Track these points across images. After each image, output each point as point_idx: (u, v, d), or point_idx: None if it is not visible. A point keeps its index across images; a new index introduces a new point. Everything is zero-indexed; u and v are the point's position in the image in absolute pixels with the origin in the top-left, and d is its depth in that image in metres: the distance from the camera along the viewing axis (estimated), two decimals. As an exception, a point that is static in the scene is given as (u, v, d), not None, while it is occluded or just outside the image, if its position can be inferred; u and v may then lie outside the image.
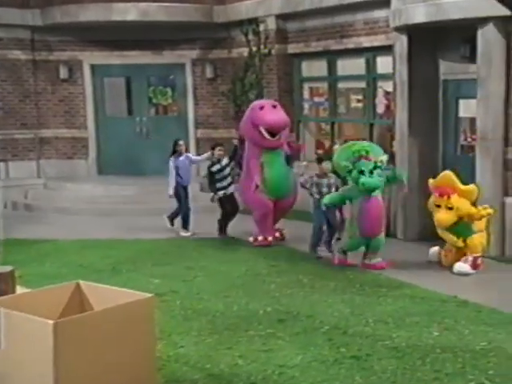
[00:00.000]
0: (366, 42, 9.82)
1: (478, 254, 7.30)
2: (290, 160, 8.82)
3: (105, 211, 11.19)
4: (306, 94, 11.61)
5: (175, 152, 9.59)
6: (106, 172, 13.08)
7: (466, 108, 8.60)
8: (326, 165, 8.01)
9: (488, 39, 7.70)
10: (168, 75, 13.04)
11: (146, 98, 13.08)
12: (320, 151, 11.63)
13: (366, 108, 10.33)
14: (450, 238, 7.39)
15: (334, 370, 4.79)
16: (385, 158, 7.35)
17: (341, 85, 10.89)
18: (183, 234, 9.47)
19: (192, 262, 8.02)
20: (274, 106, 8.65)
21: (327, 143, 11.38)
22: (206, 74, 12.65)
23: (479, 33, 7.74)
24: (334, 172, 8.06)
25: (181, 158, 9.54)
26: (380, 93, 10.07)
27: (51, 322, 3.48)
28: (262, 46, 11.44)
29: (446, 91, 8.79)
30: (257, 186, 8.57)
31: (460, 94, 8.66)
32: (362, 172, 7.13)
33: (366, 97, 10.37)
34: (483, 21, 7.60)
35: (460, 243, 7.34)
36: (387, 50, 9.26)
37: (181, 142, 9.68)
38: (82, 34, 12.57)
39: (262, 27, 11.35)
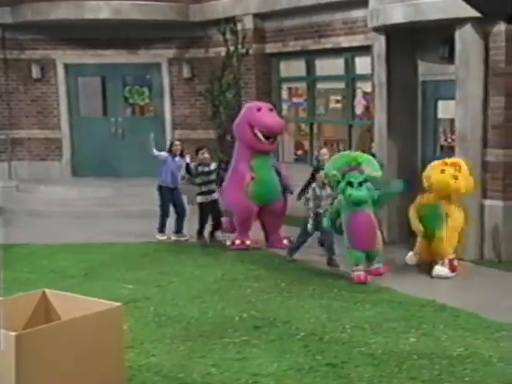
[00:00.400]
0: (345, 42, 9.83)
1: (452, 256, 7.34)
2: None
3: (79, 214, 11.09)
4: (285, 95, 11.61)
5: (170, 152, 9.45)
6: (80, 174, 12.95)
7: (445, 109, 8.64)
8: (322, 176, 7.65)
9: (466, 40, 7.74)
10: (144, 75, 12.95)
11: (121, 98, 12.97)
12: (300, 152, 11.65)
13: (345, 109, 10.34)
14: (416, 223, 7.46)
15: (309, 378, 4.77)
16: (379, 174, 7.19)
17: (319, 85, 10.89)
18: (159, 237, 9.39)
19: (167, 266, 7.96)
20: (271, 110, 8.63)
21: (306, 144, 11.38)
22: (182, 74, 12.59)
23: (457, 33, 7.78)
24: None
25: (176, 159, 9.32)
26: (359, 94, 10.08)
27: (13, 334, 3.41)
28: (239, 46, 11.40)
29: (425, 92, 8.83)
30: (252, 178, 8.45)
31: (439, 95, 8.69)
32: (350, 184, 6.98)
33: (344, 97, 10.38)
34: (461, 21, 7.64)
35: (422, 233, 7.44)
36: (366, 50, 9.28)
37: (177, 143, 9.53)
38: (54, 33, 12.43)
39: (239, 26, 11.32)
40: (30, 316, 4.06)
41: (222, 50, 11.72)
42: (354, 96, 10.17)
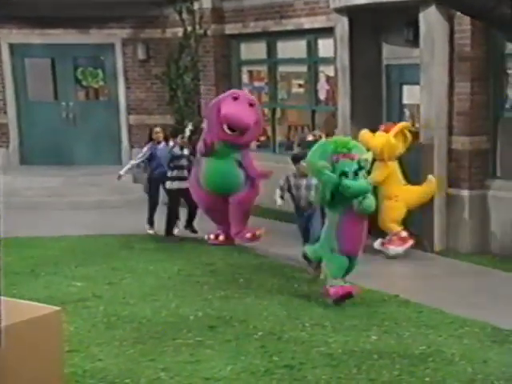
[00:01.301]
0: (307, 23, 9.73)
1: (397, 230, 7.67)
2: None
3: (27, 205, 10.84)
4: (245, 78, 11.48)
5: (151, 140, 9.14)
6: (29, 162, 12.65)
7: (411, 94, 8.63)
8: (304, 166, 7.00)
9: (430, 22, 7.72)
10: (96, 56, 12.67)
11: (72, 80, 12.67)
12: (262, 137, 11.54)
13: (308, 93, 10.27)
14: None
15: (264, 381, 4.72)
16: (369, 156, 6.59)
17: (281, 68, 10.79)
18: (148, 230, 9.07)
19: (119, 261, 7.81)
20: (251, 105, 8.15)
21: (269, 130, 11.29)
22: (137, 56, 12.34)
23: (421, 15, 7.76)
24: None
25: (160, 146, 8.98)
26: (322, 78, 10.02)
27: None
28: (197, 26, 11.23)
29: (390, 77, 8.81)
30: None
31: (404, 79, 8.68)
32: (344, 174, 6.01)
33: (307, 82, 10.31)
34: (425, 3, 7.61)
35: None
36: (329, 32, 9.21)
37: (157, 129, 9.20)
38: (-2, 10, 12.06)
39: (196, 5, 11.13)
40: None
41: (180, 31, 11.52)
42: (317, 80, 10.10)
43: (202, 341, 5.42)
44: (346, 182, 5.97)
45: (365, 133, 7.98)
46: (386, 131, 7.95)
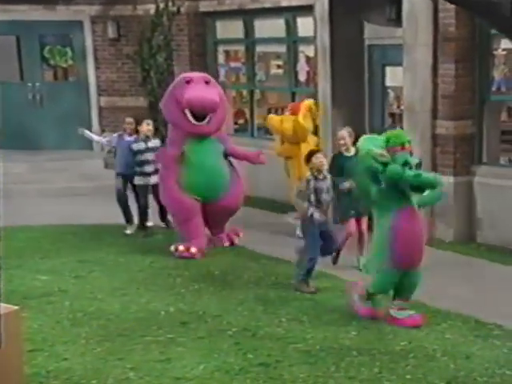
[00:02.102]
0: (285, 0, 9.62)
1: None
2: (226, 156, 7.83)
3: (-10, 193, 10.66)
4: (222, 59, 11.36)
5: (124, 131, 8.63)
6: (-7, 146, 12.41)
7: (394, 76, 8.59)
8: (319, 159, 6.24)
9: (413, 0, 7.65)
10: (64, 34, 12.43)
11: (38, 60, 12.45)
12: (241, 121, 11.45)
13: (287, 75, 10.18)
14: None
15: (238, 380, 4.68)
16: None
17: (259, 48, 10.69)
18: (127, 231, 8.56)
19: (88, 253, 7.71)
20: (207, 82, 7.59)
21: (248, 112, 11.20)
22: (107, 34, 12.13)
23: (405, -7, 7.71)
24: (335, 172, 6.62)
25: (128, 138, 8.46)
26: (302, 58, 9.93)
27: None
28: (170, 3, 11.06)
29: (372, 57, 8.76)
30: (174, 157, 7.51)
31: (387, 60, 8.64)
32: (406, 165, 5.29)
33: (286, 62, 10.21)
34: (409, -20, 7.55)
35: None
36: (308, 10, 9.12)
37: (129, 120, 8.63)
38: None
39: (169, -19, 10.97)
40: None
41: (152, 8, 11.35)
42: (296, 61, 10.02)
43: (173, 338, 5.36)
44: (410, 172, 5.24)
45: (272, 117, 8.25)
46: (294, 113, 8.03)
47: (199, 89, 7.46)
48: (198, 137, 7.56)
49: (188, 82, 7.53)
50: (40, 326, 5.59)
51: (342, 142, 7.03)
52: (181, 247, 7.52)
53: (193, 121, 7.47)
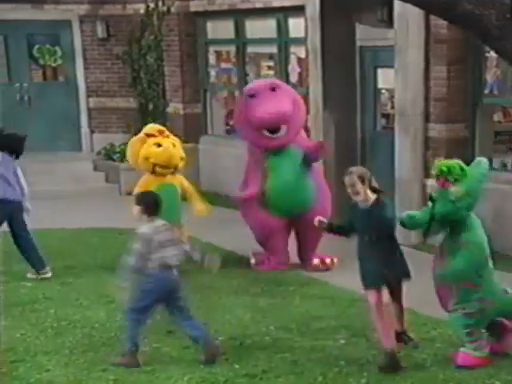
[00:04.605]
0: (276, 1, 9.61)
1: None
2: (308, 161, 7.17)
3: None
4: (212, 59, 11.32)
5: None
6: (-20, 148, 12.34)
7: (386, 78, 8.56)
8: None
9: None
10: (53, 34, 12.37)
11: (27, 60, 12.39)
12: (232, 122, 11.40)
13: (279, 76, 10.13)
14: None
15: (223, 392, 4.66)
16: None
17: (250, 49, 10.66)
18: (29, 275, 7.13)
19: (74, 258, 7.68)
20: (273, 89, 7.03)
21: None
22: (97, 34, 12.09)
23: (395, -6, 7.67)
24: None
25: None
26: (293, 59, 9.91)
27: None
28: (160, 3, 11.03)
29: (364, 59, 8.73)
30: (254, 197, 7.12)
31: (378, 62, 8.61)
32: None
33: (277, 63, 10.18)
34: (400, -18, 7.51)
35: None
36: (299, 10, 9.10)
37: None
38: None
39: (158, -21, 10.94)
40: None
41: (142, 7, 11.32)
42: (287, 62, 9.99)
43: (158, 347, 5.34)
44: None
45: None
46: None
47: (266, 103, 6.90)
48: (277, 150, 7.03)
49: (252, 96, 7.02)
50: (23, 335, 5.56)
51: (350, 190, 5.01)
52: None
53: (268, 134, 6.97)
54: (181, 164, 7.21)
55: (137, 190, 6.82)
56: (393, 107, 8.67)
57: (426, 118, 7.90)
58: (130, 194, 9.02)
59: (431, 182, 7.91)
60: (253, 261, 7.39)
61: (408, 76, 7.78)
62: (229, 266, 7.34)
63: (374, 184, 5.00)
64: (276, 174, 7.06)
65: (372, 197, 4.95)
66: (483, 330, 5.02)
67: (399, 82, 7.87)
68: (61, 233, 8.74)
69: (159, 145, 7.06)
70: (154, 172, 7.12)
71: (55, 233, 8.72)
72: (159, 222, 5.04)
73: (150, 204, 5.06)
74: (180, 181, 7.29)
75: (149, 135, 7.19)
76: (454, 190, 4.82)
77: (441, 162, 4.99)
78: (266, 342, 5.44)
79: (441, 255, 5.05)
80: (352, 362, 5.04)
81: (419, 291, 6.02)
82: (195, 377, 4.85)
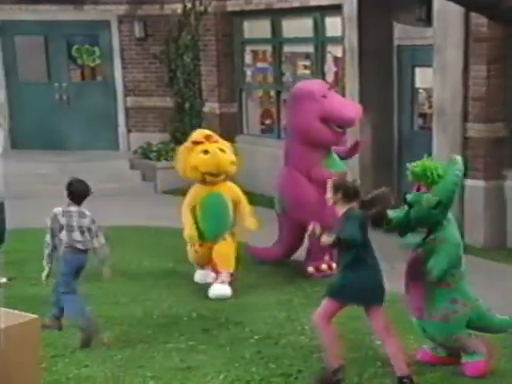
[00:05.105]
0: (313, 0, 9.57)
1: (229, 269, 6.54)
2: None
3: (15, 194, 10.73)
4: (249, 59, 11.34)
5: None
6: (20, 146, 12.57)
7: (424, 78, 8.48)
8: None
9: None
10: (91, 34, 12.53)
11: (66, 60, 12.58)
12: (268, 121, 11.41)
13: (315, 75, 10.11)
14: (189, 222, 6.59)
15: (258, 392, 4.66)
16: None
17: (286, 48, 10.65)
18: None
19: (113, 256, 7.67)
20: (329, 88, 7.16)
21: (274, 113, 11.15)
22: (134, 33, 12.20)
23: (435, -8, 7.60)
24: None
25: None
26: (329, 59, 9.87)
27: None
28: (197, 3, 11.09)
29: (401, 58, 8.65)
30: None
31: (416, 61, 8.53)
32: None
33: (314, 63, 10.16)
34: (439, -21, 7.45)
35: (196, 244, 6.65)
36: (336, 9, 9.06)
37: None
38: (-15, -16, 11.95)
39: (196, -20, 11.00)
40: None
41: (179, 7, 11.40)
42: (324, 61, 9.95)
43: (194, 345, 5.37)
44: None
45: None
46: None
47: (344, 102, 7.17)
48: (329, 149, 7.02)
49: (325, 96, 6.88)
50: (62, 331, 5.62)
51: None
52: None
53: (339, 130, 6.90)
54: (231, 169, 6.76)
55: (187, 201, 6.71)
56: (430, 107, 8.59)
57: (465, 118, 7.80)
58: (166, 192, 9.14)
59: (470, 183, 7.85)
60: (311, 269, 7.07)
61: (447, 75, 7.69)
62: (264, 264, 7.39)
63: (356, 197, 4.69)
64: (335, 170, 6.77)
65: (341, 210, 4.68)
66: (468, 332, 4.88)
67: (438, 81, 7.78)
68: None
69: (206, 151, 6.63)
70: (204, 180, 6.68)
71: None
72: (74, 208, 5.69)
73: (74, 192, 5.80)
74: (231, 190, 6.83)
75: (196, 142, 6.71)
76: (427, 198, 4.71)
77: (415, 165, 4.83)
78: (301, 341, 5.43)
79: (416, 255, 4.92)
80: (388, 362, 4.96)
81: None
82: (231, 375, 4.87)
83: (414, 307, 4.95)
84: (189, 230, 6.58)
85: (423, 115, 8.88)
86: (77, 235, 5.56)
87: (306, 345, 5.35)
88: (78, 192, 5.77)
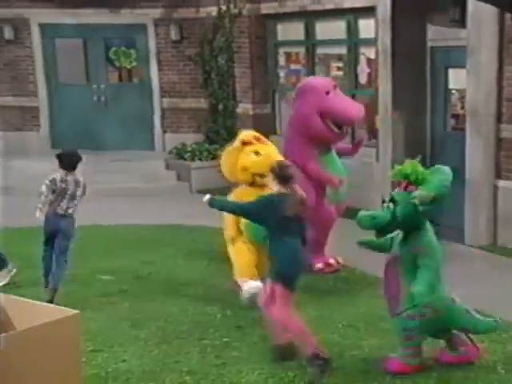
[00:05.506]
0: (347, 2, 9.56)
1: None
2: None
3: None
4: (282, 61, 11.37)
5: None
6: (59, 146, 12.67)
7: (457, 79, 8.41)
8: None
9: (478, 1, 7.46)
10: (128, 37, 12.69)
11: (104, 62, 12.77)
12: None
13: (348, 77, 10.11)
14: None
15: (292, 388, 4.69)
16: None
17: (319, 50, 10.65)
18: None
19: (148, 254, 7.84)
20: (335, 86, 7.04)
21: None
22: (170, 36, 12.33)
23: (469, -6, 7.54)
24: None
25: None
26: (362, 60, 9.84)
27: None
28: (231, 5, 11.16)
29: (435, 60, 8.59)
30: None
31: (449, 62, 8.46)
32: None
33: (347, 64, 10.14)
34: (473, -19, 7.38)
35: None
36: (370, 11, 9.04)
37: None
38: (27, -11, 12.18)
39: (231, -17, 11.06)
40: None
41: (214, 10, 11.48)
42: (357, 63, 9.93)
43: (228, 342, 5.42)
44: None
45: None
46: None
47: (347, 100, 7.11)
48: (328, 147, 7.03)
49: (328, 93, 6.87)
50: (100, 326, 5.73)
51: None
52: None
53: (336, 130, 6.89)
54: None
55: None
56: (463, 108, 8.52)
57: (498, 119, 7.72)
58: (200, 192, 9.18)
59: (503, 184, 7.78)
60: (319, 265, 7.10)
61: (480, 76, 7.62)
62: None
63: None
64: (332, 168, 6.96)
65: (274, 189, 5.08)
66: (426, 339, 4.87)
67: (471, 83, 7.72)
68: (136, 229, 8.94)
69: (257, 152, 6.41)
70: (253, 183, 6.44)
71: (131, 228, 8.94)
72: (71, 177, 6.23)
73: (66, 160, 6.35)
74: None
75: (245, 143, 6.48)
76: (420, 193, 4.64)
77: (402, 166, 4.76)
78: (334, 339, 5.44)
79: (394, 260, 4.88)
80: (420, 362, 4.98)
81: (491, 293, 5.92)
82: (265, 372, 4.90)
83: (392, 307, 4.93)
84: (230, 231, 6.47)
85: (456, 116, 8.81)
86: (64, 203, 6.17)
87: (339, 343, 5.37)
88: (68, 161, 6.36)
